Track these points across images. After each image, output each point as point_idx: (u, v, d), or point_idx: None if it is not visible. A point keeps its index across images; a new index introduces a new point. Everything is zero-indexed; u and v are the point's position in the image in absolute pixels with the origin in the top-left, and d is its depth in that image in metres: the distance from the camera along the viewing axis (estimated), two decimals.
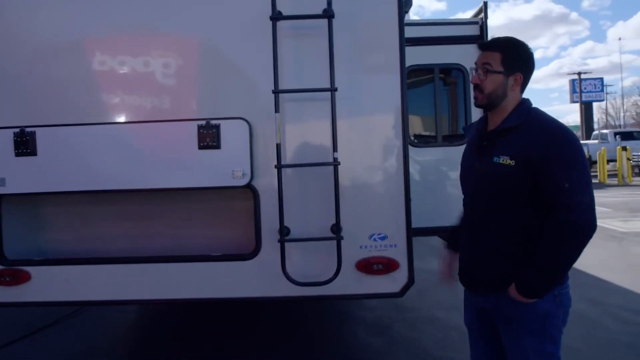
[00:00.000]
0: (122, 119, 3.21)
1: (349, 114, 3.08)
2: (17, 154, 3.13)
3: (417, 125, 5.46)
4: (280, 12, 2.95)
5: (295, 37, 3.05)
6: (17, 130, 3.12)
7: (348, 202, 3.11)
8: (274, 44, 2.94)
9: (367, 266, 3.18)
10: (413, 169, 4.74)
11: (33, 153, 3.14)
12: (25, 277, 3.23)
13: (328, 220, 3.10)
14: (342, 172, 3.06)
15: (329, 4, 2.92)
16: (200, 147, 3.11)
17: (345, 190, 3.10)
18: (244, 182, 3.12)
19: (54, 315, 4.94)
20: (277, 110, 3.00)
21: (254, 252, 3.18)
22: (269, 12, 2.93)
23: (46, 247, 3.44)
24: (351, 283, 3.16)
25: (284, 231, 3.08)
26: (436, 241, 6.77)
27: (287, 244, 3.10)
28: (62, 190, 3.22)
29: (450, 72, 5.22)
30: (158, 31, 3.18)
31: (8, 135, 3.13)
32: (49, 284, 3.27)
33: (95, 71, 3.17)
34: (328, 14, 2.92)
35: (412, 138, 5.09)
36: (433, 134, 5.24)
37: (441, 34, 5.02)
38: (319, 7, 2.94)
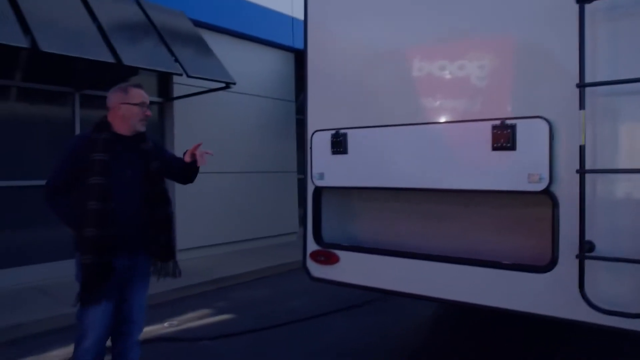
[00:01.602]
0: (420, 120, 3.31)
1: None
2: (333, 153, 3.64)
3: None
4: None
5: (608, 19, 2.58)
6: (334, 131, 3.63)
7: None
8: (580, 30, 2.57)
9: None
10: None
11: (345, 152, 3.59)
12: (334, 259, 3.72)
13: None
14: None
15: None
16: (493, 149, 2.98)
17: None
18: (541, 187, 2.83)
19: (366, 297, 5.54)
20: (582, 106, 2.62)
21: (549, 265, 2.86)
22: None
23: (352, 235, 3.88)
24: None
25: (584, 246, 2.68)
26: None
27: (589, 262, 2.68)
28: (365, 185, 3.57)
29: None
30: (457, 32, 3.18)
31: (328, 137, 3.66)
32: (353, 269, 3.68)
33: (397, 78, 3.39)
34: None
35: None
36: None
37: None
38: None
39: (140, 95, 2.86)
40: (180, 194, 7.45)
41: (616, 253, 2.61)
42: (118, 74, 6.48)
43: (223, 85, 7.08)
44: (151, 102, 7.43)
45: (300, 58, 9.69)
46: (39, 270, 6.23)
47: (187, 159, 3.03)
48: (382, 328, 4.86)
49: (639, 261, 2.53)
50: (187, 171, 3.11)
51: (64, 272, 6.16)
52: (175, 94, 7.65)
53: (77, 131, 6.60)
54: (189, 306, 5.70)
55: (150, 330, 4.72)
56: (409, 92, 3.34)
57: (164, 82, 7.73)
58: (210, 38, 7.66)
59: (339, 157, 3.62)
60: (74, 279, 2.77)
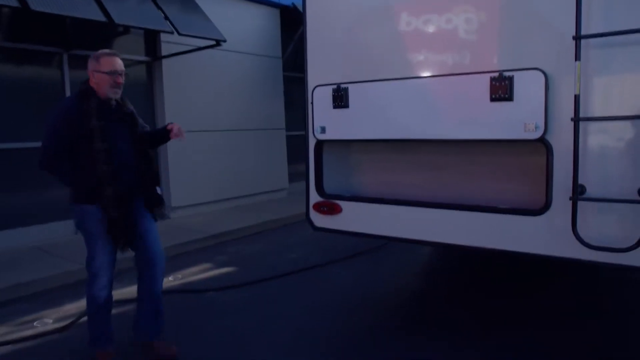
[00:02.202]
0: (419, 73, 3.42)
1: None
2: (334, 107, 3.74)
3: None
4: None
5: None
6: (335, 86, 3.72)
7: None
8: None
9: None
10: None
11: (346, 106, 3.70)
12: (337, 209, 3.89)
13: (634, 183, 2.74)
14: None
15: None
16: (491, 100, 3.12)
17: None
18: (536, 135, 3.00)
19: (366, 246, 5.81)
20: (577, 58, 2.76)
21: (543, 208, 3.06)
22: None
23: (354, 186, 4.04)
24: None
25: (577, 189, 2.88)
26: None
27: (581, 204, 2.89)
28: (367, 138, 3.70)
29: None
30: None
31: (329, 91, 3.76)
32: (355, 218, 3.86)
33: (397, 32, 3.47)
34: None
35: None
36: None
37: None
38: None
39: (110, 63, 2.96)
40: (172, 151, 7.50)
41: (606, 195, 2.82)
42: (107, 32, 6.40)
43: (213, 43, 7.04)
44: (138, 62, 7.42)
45: (285, 14, 9.62)
46: (35, 231, 6.30)
47: (171, 128, 3.26)
48: (380, 276, 5.11)
49: (626, 201, 2.74)
50: (157, 141, 3.39)
51: (61, 233, 6.25)
52: (163, 53, 7.58)
53: (67, 91, 6.54)
54: (191, 261, 5.87)
55: None
56: (408, 45, 3.43)
57: (151, 41, 7.63)
58: None
59: (340, 111, 3.73)
60: (72, 238, 2.96)
